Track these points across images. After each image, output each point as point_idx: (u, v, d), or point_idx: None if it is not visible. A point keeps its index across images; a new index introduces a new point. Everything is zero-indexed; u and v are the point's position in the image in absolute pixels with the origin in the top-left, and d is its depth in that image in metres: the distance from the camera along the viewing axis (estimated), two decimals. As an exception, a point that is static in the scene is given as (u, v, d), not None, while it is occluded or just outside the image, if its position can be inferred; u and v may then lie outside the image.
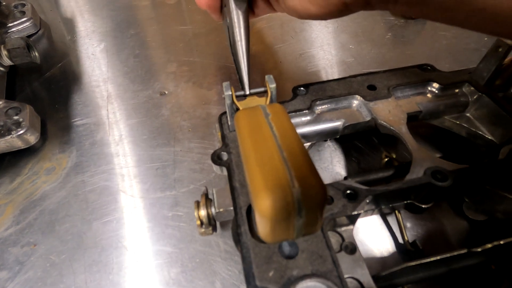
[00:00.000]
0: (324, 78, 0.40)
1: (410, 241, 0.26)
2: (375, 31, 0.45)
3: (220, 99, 0.38)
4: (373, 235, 0.28)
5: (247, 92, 0.24)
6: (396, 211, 0.27)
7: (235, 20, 0.24)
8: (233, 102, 0.24)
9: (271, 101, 0.23)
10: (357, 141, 0.33)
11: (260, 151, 0.17)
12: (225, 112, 0.28)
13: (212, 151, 0.33)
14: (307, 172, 0.16)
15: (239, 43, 0.24)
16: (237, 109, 0.24)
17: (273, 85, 0.23)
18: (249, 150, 0.18)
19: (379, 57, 0.41)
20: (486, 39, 0.42)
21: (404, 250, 0.26)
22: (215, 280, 0.26)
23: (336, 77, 0.40)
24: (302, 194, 0.15)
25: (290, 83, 0.39)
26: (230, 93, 0.23)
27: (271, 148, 0.17)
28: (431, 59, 0.41)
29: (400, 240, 0.27)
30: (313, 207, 0.15)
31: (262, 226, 0.16)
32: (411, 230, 0.28)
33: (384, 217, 0.28)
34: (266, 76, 0.24)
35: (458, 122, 0.29)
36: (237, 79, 0.40)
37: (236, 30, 0.24)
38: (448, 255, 0.20)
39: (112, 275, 0.27)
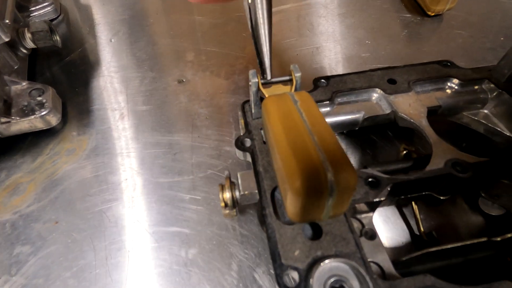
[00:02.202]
0: (340, 72, 0.40)
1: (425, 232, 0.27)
2: (392, 28, 0.45)
3: (237, 89, 0.38)
4: (388, 226, 0.28)
5: (269, 78, 0.24)
6: (413, 202, 0.27)
7: (259, 1, 0.22)
8: (258, 89, 0.24)
9: (296, 89, 0.24)
10: (372, 134, 0.34)
11: (291, 135, 0.18)
12: (247, 100, 0.28)
13: (229, 138, 0.34)
14: (339, 156, 0.16)
15: (262, 26, 0.22)
16: (261, 98, 0.25)
17: (299, 74, 0.24)
18: (280, 134, 0.18)
19: (395, 53, 0.42)
20: (502, 39, 0.43)
21: (419, 242, 0.27)
22: (232, 262, 0.27)
23: (353, 71, 0.41)
24: (335, 176, 0.16)
25: (307, 76, 0.40)
26: (257, 80, 0.24)
27: (303, 133, 0.18)
28: (446, 56, 0.41)
29: (416, 231, 0.27)
30: (345, 189, 0.16)
31: (293, 205, 0.17)
32: (425, 223, 0.28)
33: (399, 208, 0.29)
34: (292, 65, 0.24)
35: (476, 119, 0.29)
36: (257, 67, 0.40)
37: (259, 12, 0.22)
38: (468, 242, 0.21)
39: (131, 253, 0.27)
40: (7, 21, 0.29)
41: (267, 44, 0.23)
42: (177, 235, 0.28)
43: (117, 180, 0.31)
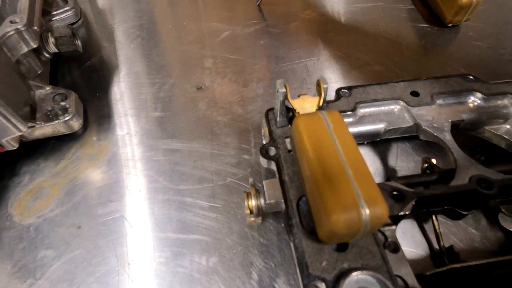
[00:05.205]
0: (356, 81, 0.40)
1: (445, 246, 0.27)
2: (409, 37, 0.45)
3: (255, 97, 0.39)
4: (407, 238, 0.28)
5: None
6: (433, 216, 0.27)
7: None
8: (285, 99, 0.25)
9: (324, 101, 0.24)
10: (391, 144, 0.34)
11: (326, 166, 0.19)
12: (271, 109, 0.28)
13: (248, 146, 0.35)
14: (373, 191, 0.17)
15: None
16: (287, 107, 0.25)
17: (326, 86, 0.24)
18: (316, 163, 0.19)
19: (412, 64, 0.42)
20: (521, 51, 0.43)
21: (437, 255, 0.27)
22: (252, 271, 0.27)
23: (369, 81, 0.41)
24: (370, 213, 0.17)
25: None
26: (285, 90, 0.24)
27: (338, 165, 0.18)
28: (464, 68, 0.42)
29: (435, 245, 0.27)
30: (378, 224, 0.17)
31: (329, 236, 0.18)
32: (443, 236, 0.28)
33: (418, 221, 0.29)
34: (319, 77, 0.25)
35: (498, 133, 0.29)
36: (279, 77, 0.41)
37: None
38: (493, 260, 0.21)
39: (152, 259, 0.28)
40: (35, 27, 0.30)
41: None
42: (198, 243, 0.28)
43: (137, 186, 0.32)
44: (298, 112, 0.24)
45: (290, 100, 0.24)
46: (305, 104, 0.24)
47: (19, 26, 0.27)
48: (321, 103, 0.24)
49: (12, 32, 0.27)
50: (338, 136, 0.20)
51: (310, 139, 0.20)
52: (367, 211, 0.16)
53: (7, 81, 0.26)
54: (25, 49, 0.29)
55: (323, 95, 0.24)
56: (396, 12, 0.49)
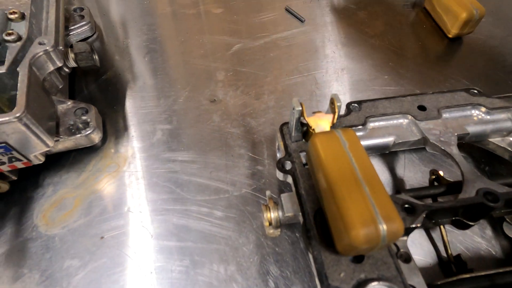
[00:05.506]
0: (365, 93, 0.42)
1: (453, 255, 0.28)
2: (413, 50, 0.47)
3: (267, 109, 0.40)
4: (415, 247, 0.29)
5: None
6: (441, 226, 0.29)
7: None
8: (300, 116, 0.26)
9: (337, 118, 0.25)
10: (398, 156, 0.35)
11: (344, 183, 0.20)
12: (285, 123, 0.30)
13: (261, 158, 0.36)
14: (389, 208, 0.19)
15: None
16: (302, 123, 0.26)
17: (340, 104, 0.25)
18: (333, 180, 0.20)
19: (416, 76, 0.43)
20: (522, 63, 0.44)
21: (445, 263, 0.28)
22: (269, 279, 0.28)
23: (376, 92, 0.42)
24: (387, 230, 0.18)
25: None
26: (301, 108, 0.25)
27: (355, 181, 0.20)
28: (467, 79, 0.43)
29: (443, 253, 0.29)
30: (394, 239, 0.18)
31: (347, 249, 0.19)
32: (450, 245, 0.29)
33: (426, 230, 0.30)
34: (332, 94, 0.26)
35: (502, 145, 0.31)
36: (288, 90, 0.42)
37: None
38: (501, 270, 0.22)
39: (174, 267, 0.29)
40: (61, 47, 0.31)
41: None
42: (216, 252, 0.30)
43: (156, 197, 0.33)
44: (314, 130, 0.26)
45: (306, 118, 0.26)
46: (320, 122, 0.26)
47: (47, 47, 0.29)
48: (335, 121, 0.26)
49: (41, 53, 0.28)
50: (354, 153, 0.21)
51: (327, 156, 0.21)
52: (385, 226, 0.18)
53: (37, 99, 0.28)
54: (51, 68, 0.30)
55: (337, 113, 0.25)
56: (401, 25, 0.50)
